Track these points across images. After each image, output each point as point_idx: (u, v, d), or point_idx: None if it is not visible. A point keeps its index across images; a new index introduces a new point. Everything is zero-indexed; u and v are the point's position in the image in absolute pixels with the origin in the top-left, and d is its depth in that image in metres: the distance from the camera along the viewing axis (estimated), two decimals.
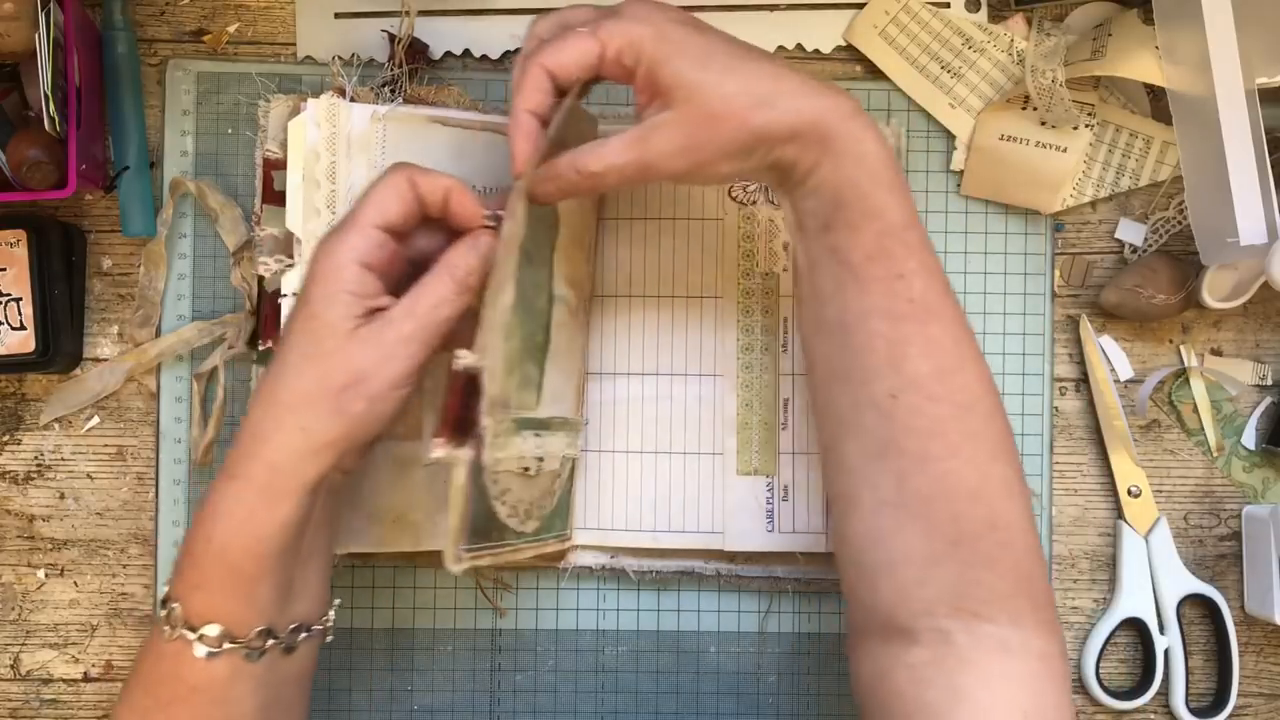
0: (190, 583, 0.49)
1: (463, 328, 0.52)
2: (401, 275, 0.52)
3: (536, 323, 0.56)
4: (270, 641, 0.50)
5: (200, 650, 0.49)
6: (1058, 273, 0.67)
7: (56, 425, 0.66)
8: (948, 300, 0.51)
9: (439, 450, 0.50)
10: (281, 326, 0.58)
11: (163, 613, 0.50)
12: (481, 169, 0.62)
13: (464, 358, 0.50)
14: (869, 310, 0.51)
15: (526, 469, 0.56)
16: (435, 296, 0.51)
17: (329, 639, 0.55)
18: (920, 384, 0.50)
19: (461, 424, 0.51)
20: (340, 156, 0.59)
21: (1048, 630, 0.50)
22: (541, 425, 0.57)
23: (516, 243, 0.52)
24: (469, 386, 0.50)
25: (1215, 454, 0.67)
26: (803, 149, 0.51)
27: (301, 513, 0.49)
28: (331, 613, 0.55)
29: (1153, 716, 0.67)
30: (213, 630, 0.49)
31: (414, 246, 0.53)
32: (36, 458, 0.66)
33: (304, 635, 0.52)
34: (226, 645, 0.49)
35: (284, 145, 0.61)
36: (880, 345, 0.50)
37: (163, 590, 0.51)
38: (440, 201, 0.52)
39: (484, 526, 0.53)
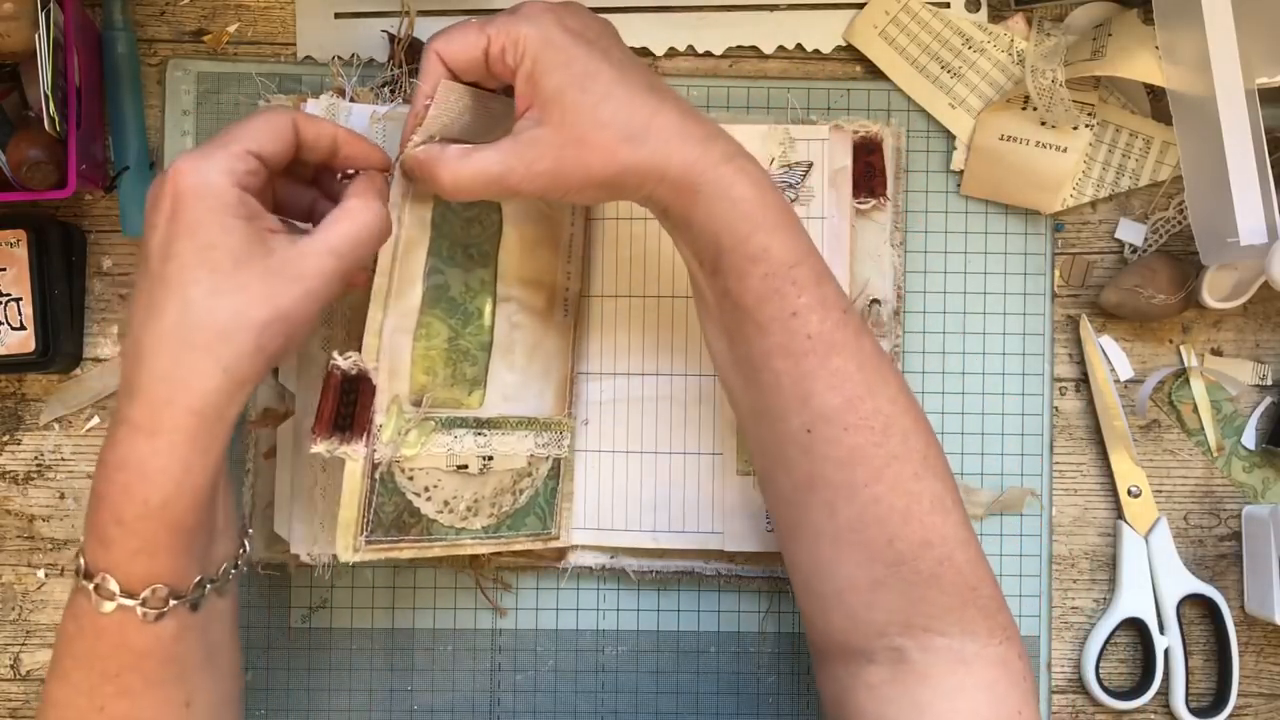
0: (128, 549, 0.46)
1: (353, 330, 0.52)
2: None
3: (473, 322, 0.57)
4: (209, 587, 0.49)
5: (147, 614, 0.46)
6: (1058, 273, 0.67)
7: (56, 425, 0.66)
8: (848, 328, 0.51)
9: (316, 446, 0.52)
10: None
11: (88, 585, 0.46)
12: None
13: (339, 360, 0.52)
14: (769, 350, 0.50)
15: (463, 466, 0.57)
16: (365, 231, 0.48)
17: (246, 570, 0.54)
18: (831, 416, 0.50)
19: (341, 421, 0.52)
20: None
21: (1003, 635, 0.50)
22: (486, 424, 0.58)
23: (421, 247, 0.54)
24: (346, 385, 0.52)
25: (1215, 454, 0.67)
26: (674, 193, 0.50)
27: (223, 454, 0.47)
28: (247, 542, 0.53)
29: (1153, 716, 0.67)
30: (157, 592, 0.46)
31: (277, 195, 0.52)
32: (36, 458, 0.66)
33: (233, 572, 0.51)
34: (172, 603, 0.47)
35: None
36: (786, 383, 0.50)
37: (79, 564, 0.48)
38: (326, 147, 0.51)
39: (399, 521, 0.55)
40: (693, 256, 0.52)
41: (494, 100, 0.54)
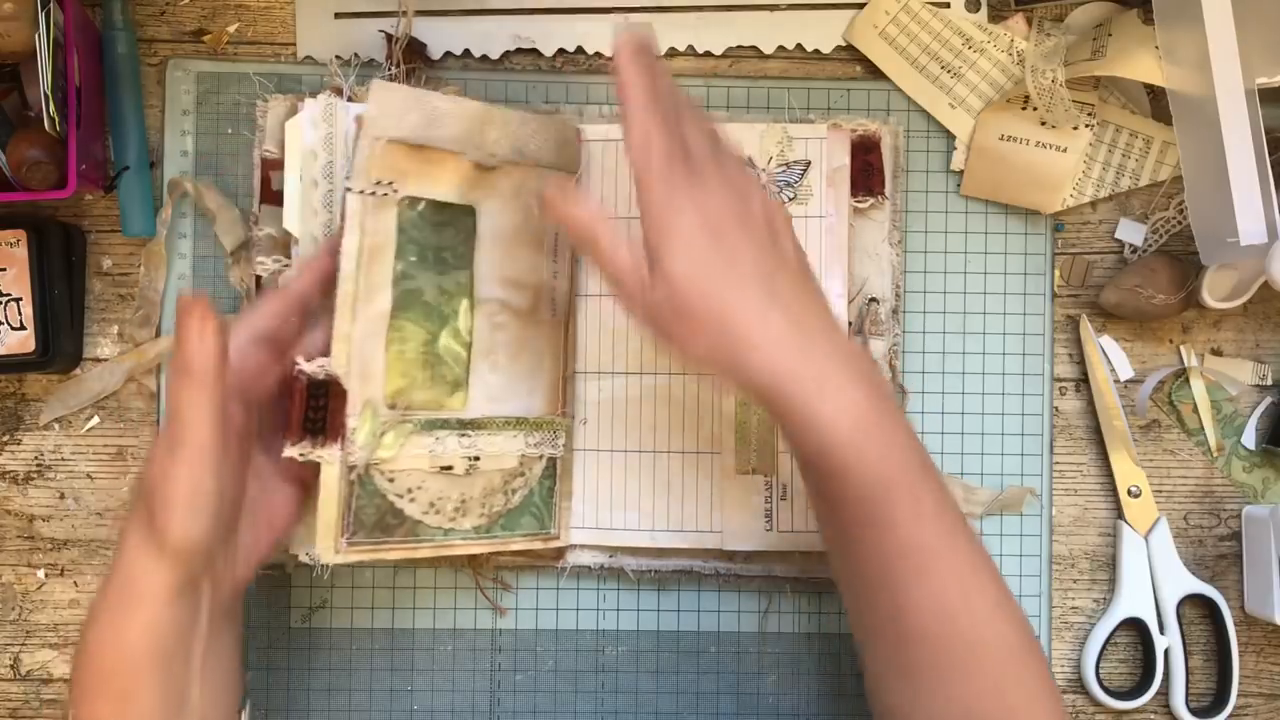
0: (77, 687, 0.49)
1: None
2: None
3: (450, 325, 0.59)
4: None
5: None
6: (1058, 273, 0.67)
7: (56, 425, 0.66)
8: (943, 537, 0.50)
9: (289, 450, 0.54)
10: None
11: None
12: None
13: (304, 365, 0.54)
14: (863, 556, 0.50)
15: (447, 467, 0.58)
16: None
17: None
18: (926, 633, 0.49)
19: (313, 425, 0.55)
20: (338, 156, 0.59)
21: None
22: (470, 425, 0.59)
23: (387, 253, 0.56)
24: (313, 390, 0.55)
25: (1215, 454, 0.67)
26: (761, 399, 0.50)
27: (165, 622, 0.49)
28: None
29: (1153, 716, 0.67)
30: None
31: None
32: (36, 458, 0.66)
33: None
34: None
35: (282, 145, 0.61)
36: (881, 593, 0.50)
37: None
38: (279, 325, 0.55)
39: (382, 523, 0.57)
40: (791, 447, 0.52)
41: (439, 99, 0.56)
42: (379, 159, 0.56)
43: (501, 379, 0.60)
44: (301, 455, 0.54)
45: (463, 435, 0.59)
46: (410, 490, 0.57)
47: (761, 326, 0.49)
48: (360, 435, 0.55)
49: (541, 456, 0.62)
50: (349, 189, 0.55)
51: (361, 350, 0.56)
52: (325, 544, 0.55)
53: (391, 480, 0.57)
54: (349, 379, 0.55)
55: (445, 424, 0.58)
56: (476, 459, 0.59)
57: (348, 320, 0.55)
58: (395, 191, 0.56)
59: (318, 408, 0.55)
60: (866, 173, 0.64)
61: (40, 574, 0.66)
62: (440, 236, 0.58)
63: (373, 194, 0.56)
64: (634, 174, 0.49)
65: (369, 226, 0.56)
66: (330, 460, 0.55)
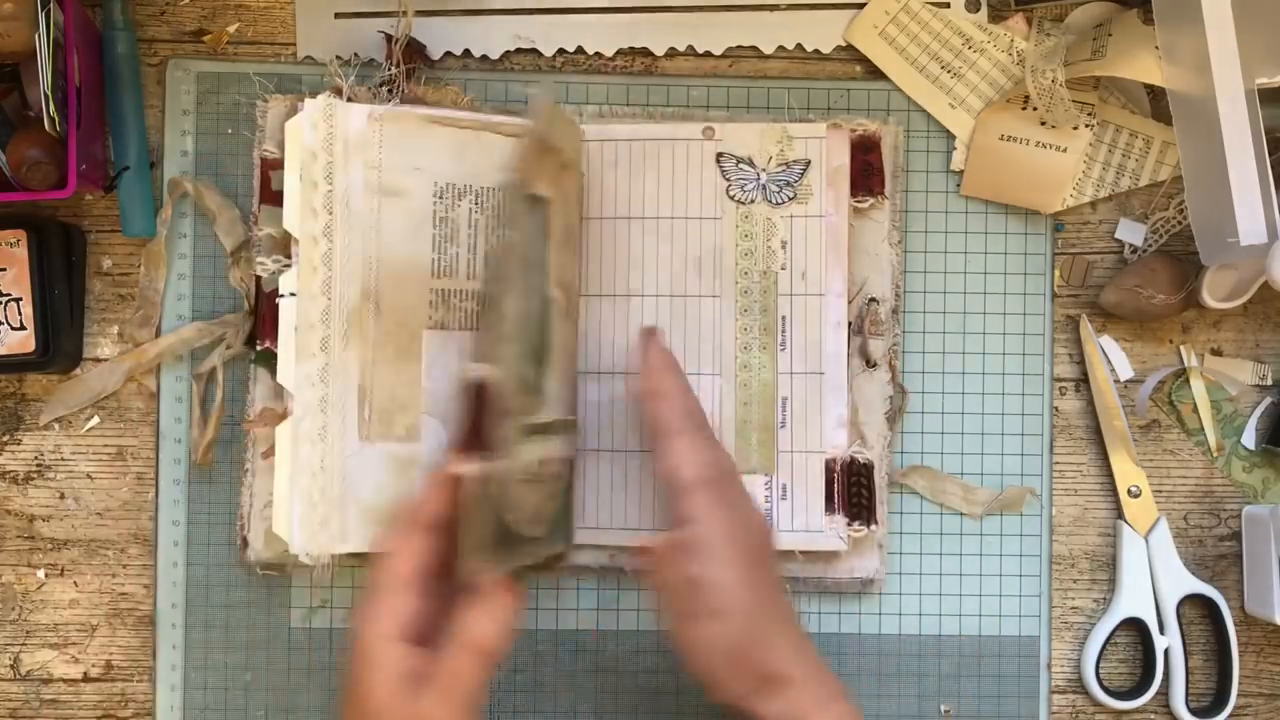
0: None
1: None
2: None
3: (535, 327, 0.57)
4: None
5: None
6: (1058, 273, 0.67)
7: (56, 425, 0.66)
8: None
9: (465, 466, 0.51)
10: (280, 329, 0.58)
11: None
12: (479, 168, 0.61)
13: (475, 370, 0.51)
14: None
15: (533, 475, 0.56)
16: (463, 680, 0.51)
17: None
18: None
19: (478, 436, 0.51)
20: (337, 157, 0.59)
21: None
22: (544, 429, 0.57)
23: (523, 251, 0.54)
24: (480, 397, 0.51)
25: (1215, 454, 0.67)
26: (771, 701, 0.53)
27: None
28: None
29: (1153, 716, 0.67)
30: None
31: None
32: (36, 458, 0.66)
33: None
34: None
35: (282, 145, 0.61)
36: None
37: None
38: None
39: (498, 537, 0.53)
40: None
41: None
42: (531, 162, 0.55)
43: (557, 381, 0.59)
44: (480, 472, 0.51)
45: (542, 440, 0.56)
46: (511, 502, 0.54)
47: (777, 649, 0.53)
48: (508, 445, 0.51)
49: (569, 459, 0.61)
50: (504, 189, 0.53)
51: (504, 355, 0.53)
52: (473, 564, 0.51)
53: (505, 493, 0.53)
54: (501, 386, 0.52)
55: (533, 430, 0.55)
56: (542, 464, 0.56)
57: (500, 321, 0.52)
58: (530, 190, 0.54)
59: (481, 416, 0.51)
60: (866, 173, 0.64)
61: (40, 574, 0.66)
62: (533, 236, 0.56)
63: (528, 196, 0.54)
64: (675, 489, 0.54)
65: (521, 222, 0.54)
66: (480, 474, 0.51)
